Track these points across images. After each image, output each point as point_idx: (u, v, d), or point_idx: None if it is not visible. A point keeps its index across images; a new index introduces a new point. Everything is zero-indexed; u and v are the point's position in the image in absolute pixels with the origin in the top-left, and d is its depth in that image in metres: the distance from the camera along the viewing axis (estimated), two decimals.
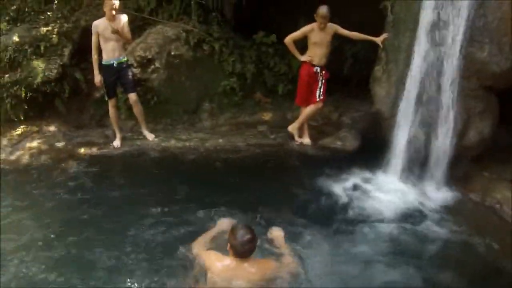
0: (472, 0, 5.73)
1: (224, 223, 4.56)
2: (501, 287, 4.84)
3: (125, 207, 5.66)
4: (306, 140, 7.51)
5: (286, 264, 4.05)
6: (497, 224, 5.86)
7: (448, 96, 6.13)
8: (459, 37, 5.89)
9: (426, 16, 6.10)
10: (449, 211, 5.98)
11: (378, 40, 6.87)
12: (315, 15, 6.85)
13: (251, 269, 3.74)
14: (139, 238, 4.98)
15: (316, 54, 7.06)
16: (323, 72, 7.15)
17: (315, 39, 6.98)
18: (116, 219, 5.37)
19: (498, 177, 6.38)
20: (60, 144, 7.17)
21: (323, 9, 6.79)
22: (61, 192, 6.02)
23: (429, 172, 6.42)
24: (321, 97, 7.22)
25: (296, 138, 7.54)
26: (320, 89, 7.19)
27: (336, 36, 7.13)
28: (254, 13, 8.34)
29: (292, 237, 5.03)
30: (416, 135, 6.41)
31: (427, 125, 6.35)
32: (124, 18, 6.90)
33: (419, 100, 6.33)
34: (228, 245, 3.77)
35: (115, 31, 6.72)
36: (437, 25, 6.08)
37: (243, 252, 3.71)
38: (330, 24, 6.94)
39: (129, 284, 4.25)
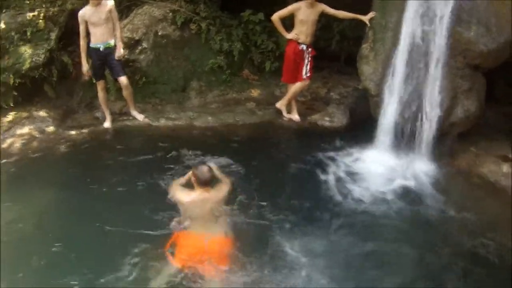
0: None
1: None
2: (490, 258, 4.94)
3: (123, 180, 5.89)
4: (295, 116, 7.58)
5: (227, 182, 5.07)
6: (484, 197, 5.99)
7: (434, 74, 6.27)
8: (446, 17, 6.00)
9: None
10: (437, 185, 6.14)
11: (365, 18, 6.93)
12: None
13: (212, 194, 4.73)
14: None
15: (302, 32, 7.10)
16: (309, 50, 7.20)
17: (302, 17, 7.03)
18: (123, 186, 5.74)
19: (485, 153, 6.53)
20: (50, 129, 7.17)
21: None
22: (58, 176, 6.15)
23: (417, 148, 6.57)
24: (308, 75, 7.29)
25: (285, 114, 7.61)
26: (306, 66, 7.25)
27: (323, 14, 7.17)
28: None
29: (284, 212, 5.30)
30: (403, 112, 6.52)
31: (415, 102, 6.46)
32: (110, 2, 6.89)
33: (406, 78, 6.44)
34: (193, 178, 4.74)
35: (121, 57, 7.03)
36: (425, 5, 6.16)
37: (204, 180, 4.68)
38: (317, 3, 6.99)
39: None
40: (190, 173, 5.00)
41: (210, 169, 4.81)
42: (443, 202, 5.80)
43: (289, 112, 7.64)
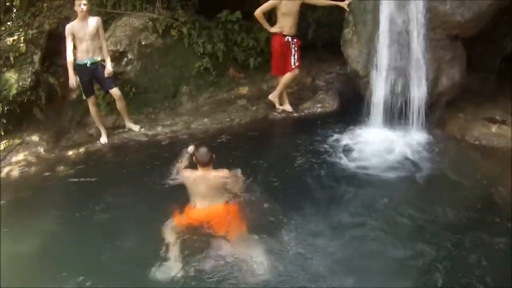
0: None
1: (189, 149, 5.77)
2: (491, 214, 5.17)
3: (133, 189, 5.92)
4: (288, 107, 7.71)
5: (238, 175, 5.46)
6: (478, 158, 6.27)
7: (417, 48, 6.48)
8: None
9: None
10: (432, 151, 6.39)
11: (344, 4, 7.12)
12: None
13: (213, 174, 5.13)
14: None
15: (286, 24, 7.23)
16: (295, 40, 7.32)
17: (284, 10, 7.16)
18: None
19: (473, 117, 6.82)
20: (46, 152, 7.11)
21: None
22: (63, 199, 6.08)
23: (409, 120, 6.78)
24: (296, 64, 7.40)
25: (278, 106, 7.73)
26: (294, 56, 7.36)
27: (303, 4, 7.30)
28: None
29: (292, 192, 5.55)
30: (392, 89, 6.72)
31: (402, 78, 6.67)
32: (97, 20, 6.91)
33: (391, 56, 6.64)
34: (195, 159, 5.17)
35: (111, 73, 7.00)
36: None
37: (205, 161, 5.09)
38: None
39: None
40: (185, 153, 5.63)
41: (210, 149, 5.21)
42: (441, 166, 6.05)
43: (281, 104, 7.75)
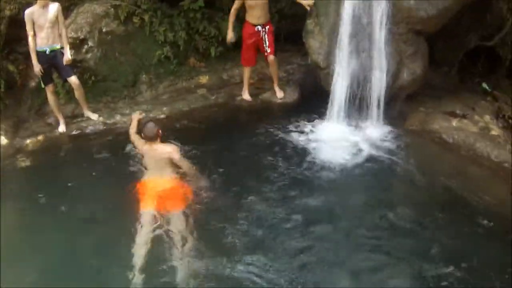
0: None
1: (135, 115, 6.74)
2: (454, 201, 5.49)
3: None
4: (247, 96, 7.84)
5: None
6: (439, 152, 6.46)
7: (379, 41, 6.59)
8: None
9: None
10: (393, 146, 6.54)
11: (305, 3, 7.24)
12: None
13: (157, 148, 5.64)
14: None
15: (254, 16, 7.35)
16: (266, 28, 7.43)
17: (250, 3, 7.27)
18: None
19: (434, 111, 6.95)
20: (4, 141, 6.95)
21: None
22: (20, 188, 6.08)
23: (370, 114, 6.91)
24: (268, 50, 7.52)
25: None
26: (265, 42, 7.48)
27: None
28: None
29: (248, 191, 5.65)
30: (353, 81, 6.82)
31: (363, 71, 6.78)
32: (57, 7, 6.80)
33: (352, 48, 6.74)
34: (142, 135, 5.78)
35: (69, 61, 6.94)
36: None
37: (151, 135, 5.64)
38: None
39: None
40: (133, 120, 6.49)
41: (155, 125, 5.75)
42: (401, 160, 6.23)
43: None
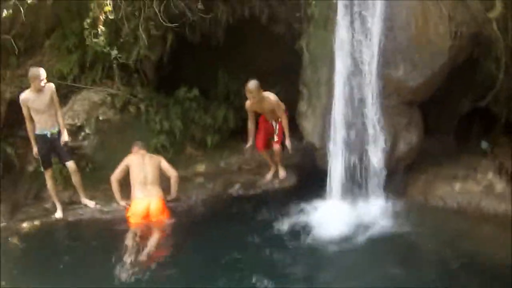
0: (382, 24, 6.32)
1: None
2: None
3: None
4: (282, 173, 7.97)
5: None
6: (444, 218, 6.39)
7: (373, 116, 6.64)
8: (374, 63, 6.43)
9: (342, 48, 6.59)
10: (396, 218, 6.40)
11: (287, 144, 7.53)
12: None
13: (148, 160, 7.14)
14: None
15: (268, 118, 7.66)
16: (279, 120, 7.58)
17: (256, 109, 7.57)
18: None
19: (435, 178, 6.96)
20: (1, 224, 6.80)
21: (249, 84, 7.28)
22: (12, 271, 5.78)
23: (370, 189, 6.83)
24: (275, 140, 7.67)
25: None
26: (275, 131, 7.68)
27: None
28: (174, 69, 8.56)
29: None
30: (350, 159, 6.79)
31: (359, 147, 6.78)
32: (51, 88, 6.87)
33: (347, 126, 6.77)
34: (135, 148, 7.21)
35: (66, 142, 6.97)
36: (353, 55, 6.58)
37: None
38: (263, 96, 7.39)
39: None
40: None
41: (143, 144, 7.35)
42: (406, 231, 6.08)
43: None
